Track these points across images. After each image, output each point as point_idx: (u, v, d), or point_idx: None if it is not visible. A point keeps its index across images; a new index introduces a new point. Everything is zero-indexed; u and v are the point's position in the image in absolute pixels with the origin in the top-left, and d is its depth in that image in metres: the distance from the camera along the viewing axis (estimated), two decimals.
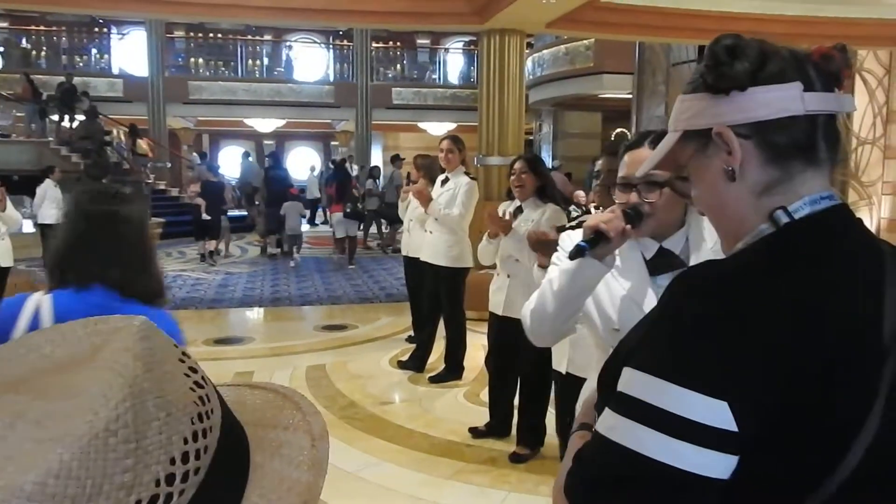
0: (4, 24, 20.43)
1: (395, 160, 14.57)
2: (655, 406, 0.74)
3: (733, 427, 0.72)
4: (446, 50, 24.04)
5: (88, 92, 15.80)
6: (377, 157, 22.30)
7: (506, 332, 3.84)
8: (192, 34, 21.92)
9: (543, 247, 2.87)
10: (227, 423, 0.53)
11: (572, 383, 2.73)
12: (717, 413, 0.72)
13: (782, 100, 0.83)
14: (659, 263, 1.68)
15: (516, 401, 3.99)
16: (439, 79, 22.71)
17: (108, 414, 0.45)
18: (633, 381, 0.77)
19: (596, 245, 1.58)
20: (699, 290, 0.79)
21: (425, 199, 5.11)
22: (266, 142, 25.94)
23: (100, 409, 0.45)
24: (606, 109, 16.05)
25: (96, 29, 20.83)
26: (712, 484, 0.73)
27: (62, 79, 15.55)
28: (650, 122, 13.37)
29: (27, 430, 0.44)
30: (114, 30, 20.98)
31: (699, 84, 0.88)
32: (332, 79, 21.34)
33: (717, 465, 0.73)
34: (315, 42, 23.31)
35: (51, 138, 14.96)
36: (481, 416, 4.23)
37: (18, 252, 11.55)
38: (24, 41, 19.83)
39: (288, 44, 22.74)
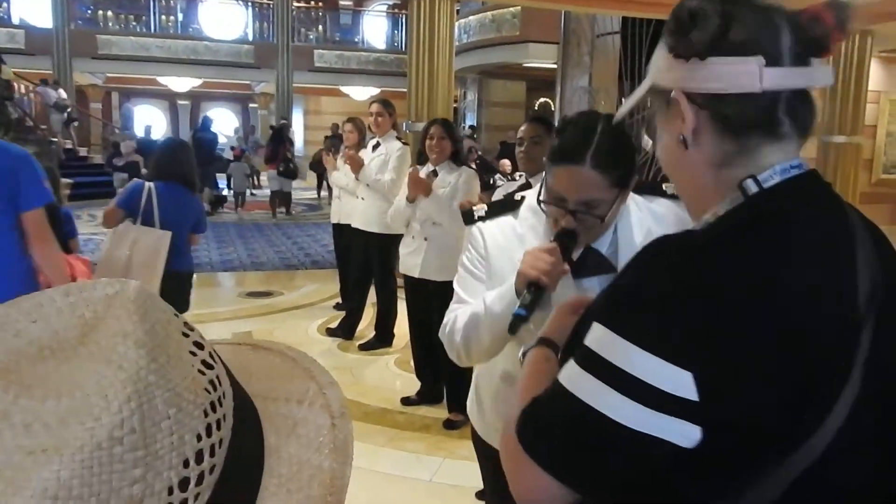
0: None
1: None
2: (621, 368, 0.73)
3: (695, 397, 0.71)
4: (369, 13, 23.60)
5: None
6: (298, 121, 21.80)
7: (422, 294, 3.93)
8: None
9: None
10: (239, 406, 0.46)
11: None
12: (680, 382, 0.71)
13: (737, 75, 0.79)
14: (586, 265, 1.49)
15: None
16: (362, 42, 22.29)
17: (111, 419, 0.38)
18: (601, 340, 0.76)
19: (536, 304, 1.37)
20: (672, 261, 0.78)
21: (357, 165, 5.02)
22: (181, 102, 24.93)
23: (101, 414, 0.38)
24: (531, 79, 16.14)
25: None
26: (671, 448, 0.72)
27: None
28: (574, 92, 13.55)
29: (13, 437, 0.37)
30: None
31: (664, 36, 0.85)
32: (251, 38, 20.63)
33: (677, 431, 0.72)
34: None
35: None
36: (413, 384, 4.24)
37: None
38: None
39: None
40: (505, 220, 1.62)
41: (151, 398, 0.40)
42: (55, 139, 14.63)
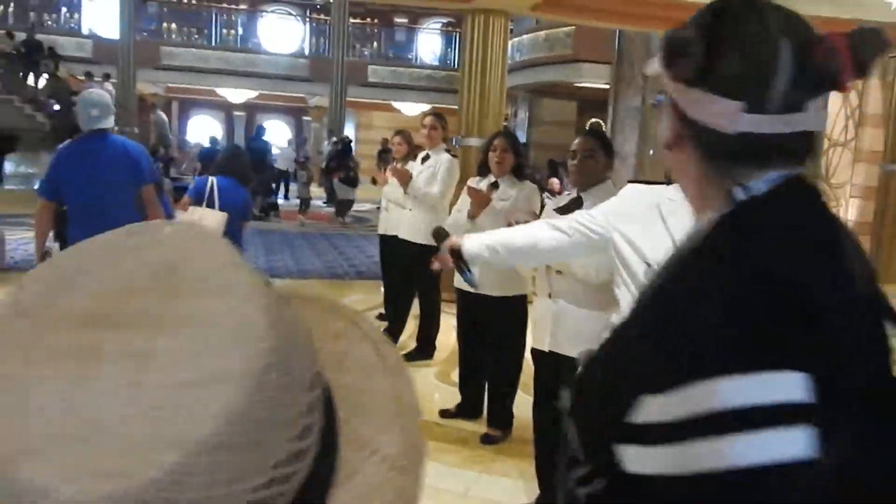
0: None
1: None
2: (722, 409, 0.66)
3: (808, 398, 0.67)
4: (423, 30, 23.88)
5: (56, 51, 15.37)
6: (349, 134, 22.08)
7: (476, 310, 3.85)
8: None
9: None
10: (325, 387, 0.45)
11: (554, 361, 2.72)
12: (790, 385, 0.67)
13: (715, 113, 0.78)
14: None
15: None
16: (415, 59, 22.54)
17: (264, 346, 0.38)
18: (674, 400, 0.68)
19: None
20: (699, 282, 0.75)
21: (405, 179, 5.05)
22: (236, 113, 25.51)
23: (253, 342, 0.38)
24: (582, 98, 16.08)
25: None
26: (807, 467, 0.65)
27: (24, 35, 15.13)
28: (627, 112, 13.44)
29: (162, 373, 0.36)
30: None
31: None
32: (307, 52, 21.05)
33: (803, 440, 0.66)
34: (291, 14, 22.94)
35: (14, 96, 14.52)
36: (452, 396, 4.21)
37: (19, 206, 11.32)
38: None
39: (264, 14, 22.34)
40: None
41: (285, 331, 0.40)
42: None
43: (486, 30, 7.91)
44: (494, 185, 3.90)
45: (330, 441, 0.42)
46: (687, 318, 0.72)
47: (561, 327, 2.73)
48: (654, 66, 0.85)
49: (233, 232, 4.21)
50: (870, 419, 0.70)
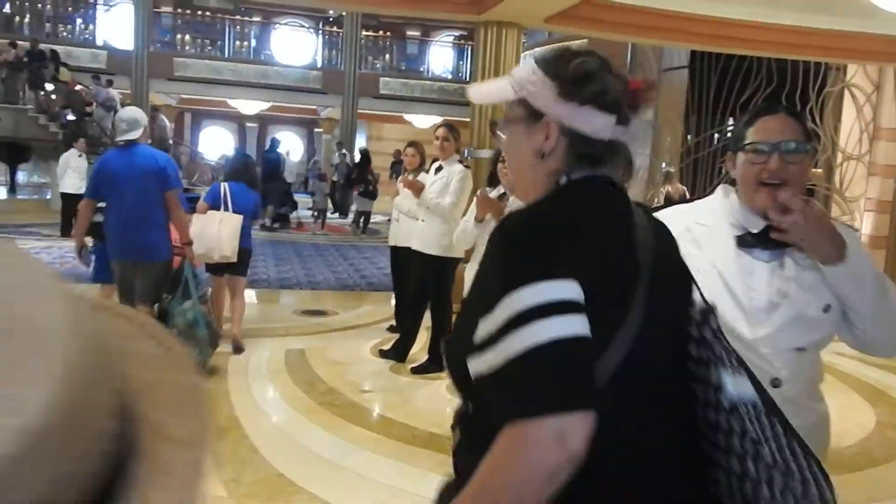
0: None
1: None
2: (525, 308, 0.95)
3: (581, 297, 0.98)
4: (435, 43, 23.96)
5: (59, 57, 15.49)
6: (361, 146, 22.12)
7: None
8: (179, 10, 21.57)
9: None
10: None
11: None
12: (574, 290, 0.97)
13: (600, 126, 1.10)
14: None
15: None
16: (427, 71, 22.60)
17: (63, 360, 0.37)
18: (505, 304, 0.97)
19: None
20: (514, 229, 1.05)
21: (416, 190, 5.03)
22: (249, 124, 25.63)
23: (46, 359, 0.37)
24: None
25: None
26: (587, 340, 0.96)
27: (28, 45, 15.32)
28: (637, 126, 13.35)
29: None
30: (100, 0, 20.54)
31: (553, 76, 1.12)
32: (319, 64, 21.14)
33: (584, 324, 0.97)
34: (303, 27, 23.07)
35: (30, 105, 14.64)
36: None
37: (31, 216, 11.39)
38: (7, 6, 19.35)
39: (277, 26, 22.47)
40: None
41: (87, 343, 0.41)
42: None
43: (499, 42, 7.90)
44: (505, 196, 3.88)
45: (129, 433, 0.44)
46: (507, 253, 1.03)
47: None
48: (509, 93, 1.16)
49: (245, 230, 5.12)
50: (618, 313, 1.02)
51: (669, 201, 8.65)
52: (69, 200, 10.95)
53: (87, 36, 19.63)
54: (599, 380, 0.97)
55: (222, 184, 5.25)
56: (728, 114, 10.42)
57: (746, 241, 1.58)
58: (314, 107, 21.63)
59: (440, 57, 23.55)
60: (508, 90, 1.16)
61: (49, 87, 14.80)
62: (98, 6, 20.34)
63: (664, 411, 1.09)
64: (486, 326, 0.98)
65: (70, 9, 19.93)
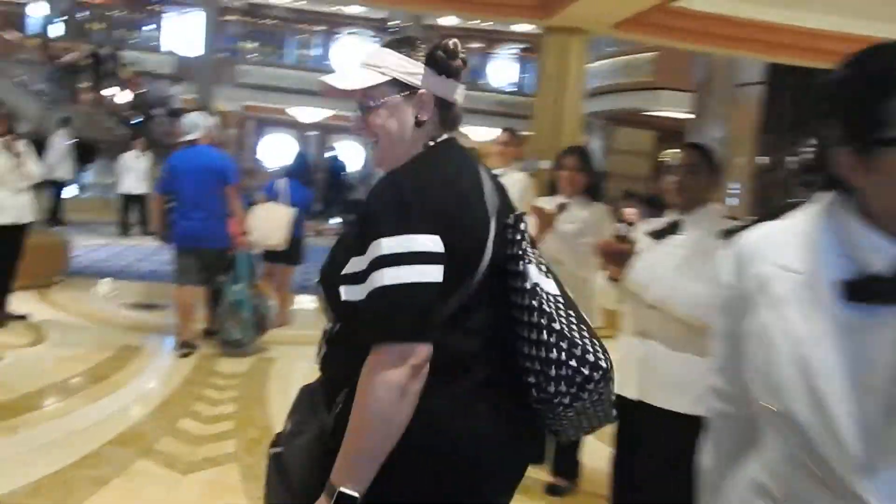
0: None
1: None
2: (389, 253, 1.19)
3: (441, 249, 1.21)
4: (497, 55, 23.77)
5: (118, 57, 15.84)
6: None
7: None
8: (245, 18, 21.88)
9: (617, 258, 2.46)
10: None
11: (641, 411, 2.33)
12: (436, 242, 1.21)
13: (457, 93, 1.40)
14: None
15: None
16: (488, 84, 22.40)
17: None
18: (376, 247, 1.20)
19: None
20: (388, 181, 1.30)
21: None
22: (309, 133, 25.80)
23: None
24: (661, 128, 15.53)
25: (151, 6, 20.90)
26: (439, 285, 1.20)
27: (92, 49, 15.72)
28: (706, 143, 12.82)
29: None
30: (168, 8, 21.01)
31: (421, 55, 1.37)
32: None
33: (439, 272, 1.20)
34: (368, 36, 23.15)
35: (96, 108, 14.94)
36: None
37: (95, 214, 11.60)
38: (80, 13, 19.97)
39: (340, 35, 22.60)
40: None
41: None
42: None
43: (564, 50, 7.58)
44: (563, 207, 3.51)
45: None
46: (372, 207, 1.26)
47: (651, 373, 2.33)
48: (378, 77, 1.36)
49: (299, 223, 5.64)
50: (473, 260, 1.27)
51: None
52: (127, 200, 11.07)
53: (155, 42, 20.06)
54: (448, 310, 1.24)
55: (280, 181, 5.81)
56: (806, 134, 9.84)
57: (863, 289, 0.87)
58: None
59: (502, 70, 23.32)
60: (376, 75, 1.36)
61: (113, 89, 15.13)
62: (167, 13, 20.81)
63: (495, 327, 1.31)
64: (357, 264, 1.23)
65: (140, 15, 20.41)
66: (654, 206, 9.65)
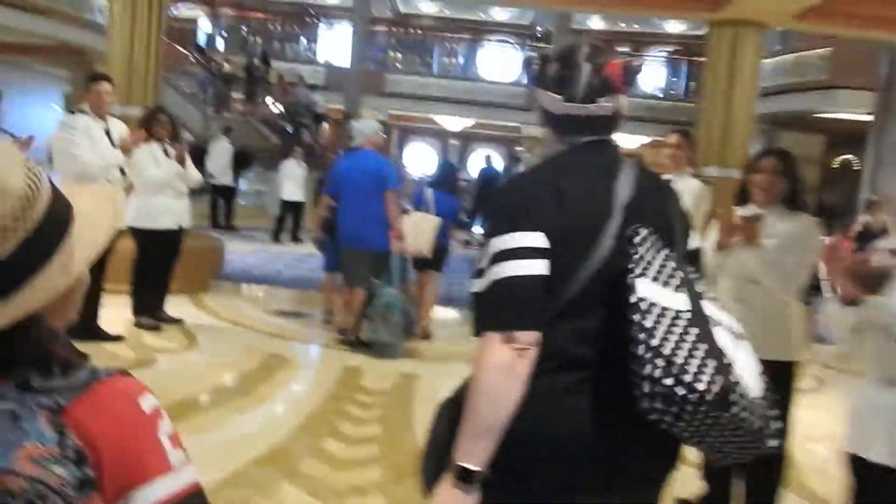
0: (231, 12, 21.90)
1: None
2: (498, 251, 1.32)
3: (545, 244, 1.31)
4: (646, 59, 22.80)
5: (269, 60, 16.37)
6: None
7: None
8: (393, 29, 22.27)
9: (864, 278, 1.94)
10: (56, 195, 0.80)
11: (892, 479, 1.81)
12: (537, 239, 1.31)
13: (553, 102, 1.45)
14: None
15: None
16: (636, 88, 21.49)
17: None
18: (487, 248, 1.35)
19: None
20: (502, 190, 1.53)
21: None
22: (452, 141, 25.91)
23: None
24: (833, 131, 14.13)
25: (307, 19, 21.72)
26: (543, 278, 1.30)
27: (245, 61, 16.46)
28: (891, 148, 11.51)
29: None
30: (323, 20, 21.75)
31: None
32: (525, 81, 20.83)
33: (543, 266, 1.30)
34: (510, 43, 22.90)
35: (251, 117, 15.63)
36: (691, 481, 3.30)
37: (249, 220, 12.19)
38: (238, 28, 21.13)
39: (485, 44, 22.51)
40: None
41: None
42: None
43: (734, 45, 6.90)
44: (757, 218, 2.96)
45: (46, 233, 0.77)
46: (489, 210, 1.42)
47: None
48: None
49: (444, 231, 5.71)
50: (581, 253, 1.34)
51: (866, 233, 7.12)
52: (286, 207, 11.37)
53: (310, 54, 20.83)
54: (557, 304, 1.32)
55: (426, 190, 5.91)
56: None
57: None
58: (517, 124, 21.31)
59: (651, 73, 22.34)
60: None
61: (266, 98, 15.78)
62: (321, 25, 21.56)
63: (607, 332, 1.33)
64: (481, 262, 1.35)
65: (296, 28, 21.27)
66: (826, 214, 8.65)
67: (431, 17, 23.35)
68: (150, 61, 6.63)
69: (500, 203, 1.39)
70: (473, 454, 1.26)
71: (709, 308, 1.31)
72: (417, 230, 5.49)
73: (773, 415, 1.31)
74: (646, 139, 18.92)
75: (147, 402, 0.79)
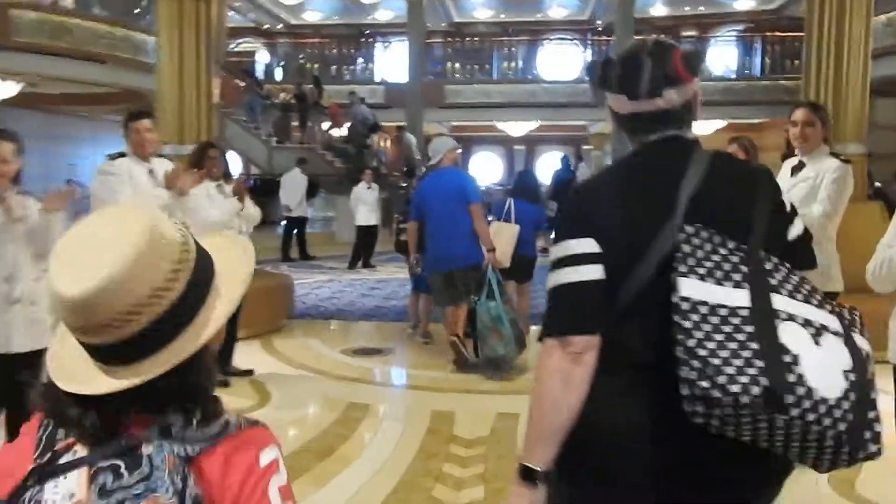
0: (286, 40, 21.97)
1: None
2: (555, 258, 1.36)
3: (597, 249, 1.33)
4: (715, 40, 21.74)
5: (321, 83, 16.31)
6: None
7: None
8: (449, 39, 21.84)
9: None
10: (201, 254, 0.90)
11: None
12: (589, 245, 1.33)
13: (619, 102, 1.44)
14: None
15: None
16: (707, 71, 20.40)
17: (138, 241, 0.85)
18: (552, 253, 1.40)
19: None
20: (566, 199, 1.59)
21: None
22: (516, 147, 25.25)
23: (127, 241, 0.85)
24: None
25: (363, 40, 21.57)
26: (599, 282, 1.31)
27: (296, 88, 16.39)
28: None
29: (109, 251, 0.84)
30: (378, 39, 21.54)
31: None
32: (588, 78, 20.04)
33: (597, 271, 1.32)
34: (569, 40, 22.14)
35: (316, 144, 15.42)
36: None
37: (317, 249, 11.92)
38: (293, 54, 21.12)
39: (543, 43, 21.83)
40: None
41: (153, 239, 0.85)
42: (404, 185, 15.23)
43: (842, 5, 6.07)
44: None
45: (200, 282, 0.88)
46: (559, 214, 1.52)
47: None
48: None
49: (526, 239, 5.66)
50: (635, 255, 1.32)
51: None
52: (361, 233, 10.89)
53: (367, 74, 20.62)
54: (618, 306, 1.31)
55: (509, 199, 5.87)
56: None
57: None
58: (583, 122, 20.50)
59: (721, 55, 21.25)
60: None
61: (324, 123, 15.59)
62: (377, 45, 21.35)
63: (662, 332, 1.25)
64: (551, 259, 1.38)
65: (353, 50, 21.12)
66: None
67: (486, 22, 22.83)
68: (202, 96, 6.27)
69: (562, 211, 1.50)
70: (535, 455, 1.30)
71: (782, 302, 1.23)
72: (496, 240, 5.33)
73: (871, 417, 1.18)
74: (721, 123, 17.89)
75: (266, 456, 0.87)
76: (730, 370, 1.15)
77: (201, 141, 5.39)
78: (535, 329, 5.71)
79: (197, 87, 6.25)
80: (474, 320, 5.06)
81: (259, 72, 20.28)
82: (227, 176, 4.90)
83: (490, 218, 5.70)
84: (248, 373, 4.95)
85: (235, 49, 20.31)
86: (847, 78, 6.06)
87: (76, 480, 0.80)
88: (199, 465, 0.81)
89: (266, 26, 22.20)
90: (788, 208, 1.44)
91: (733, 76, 19.91)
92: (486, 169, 24.24)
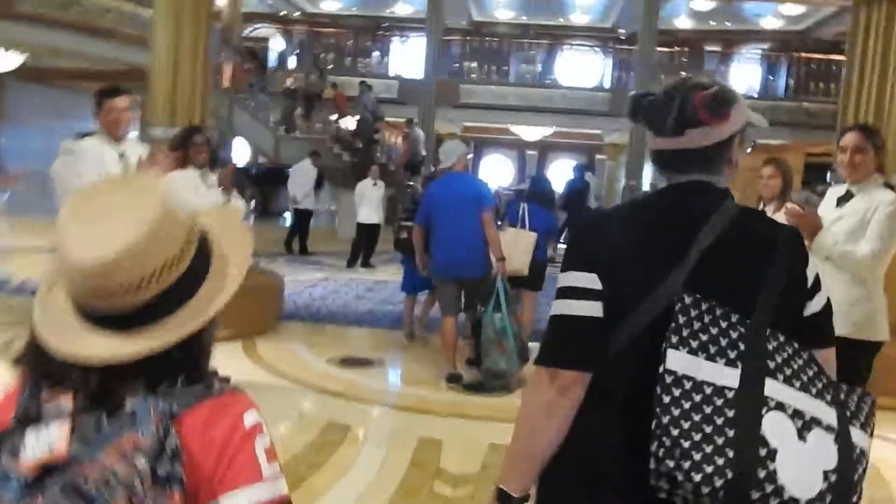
0: (303, 28, 21.60)
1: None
2: (559, 287, 1.34)
3: (599, 286, 1.29)
4: (739, 58, 21.38)
5: (326, 75, 16.09)
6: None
7: None
8: (468, 38, 21.44)
9: None
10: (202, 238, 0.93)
11: None
12: (592, 280, 1.30)
13: (650, 141, 1.44)
14: None
15: None
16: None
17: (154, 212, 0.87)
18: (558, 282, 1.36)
19: None
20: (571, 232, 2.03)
21: (809, 227, 3.13)
22: (529, 152, 24.82)
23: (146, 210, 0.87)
24: None
25: (379, 33, 21.20)
26: (597, 320, 1.28)
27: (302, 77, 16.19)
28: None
29: (124, 219, 0.87)
30: (396, 33, 21.17)
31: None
32: (607, 86, 19.66)
33: (595, 308, 1.28)
34: (590, 47, 21.73)
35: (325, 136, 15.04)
36: None
37: (317, 244, 11.51)
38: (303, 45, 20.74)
39: (564, 49, 21.42)
40: None
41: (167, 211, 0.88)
42: (411, 183, 14.82)
43: (890, 22, 5.64)
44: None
45: (204, 257, 0.92)
46: (567, 242, 1.50)
47: None
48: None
49: (539, 244, 5.50)
50: (634, 297, 1.28)
51: None
52: (362, 231, 10.45)
53: (382, 68, 20.24)
54: (614, 344, 1.27)
55: (522, 205, 5.71)
56: None
57: None
58: (598, 131, 20.09)
59: (743, 73, 20.85)
60: None
61: (331, 115, 15.25)
62: (393, 39, 20.97)
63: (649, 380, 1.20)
64: (557, 289, 1.36)
65: (369, 43, 20.74)
66: None
67: (507, 23, 22.41)
68: (198, 77, 5.87)
69: (571, 239, 1.46)
70: (511, 479, 1.31)
71: (776, 388, 1.16)
72: (514, 248, 5.24)
73: None
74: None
75: (250, 418, 0.89)
76: (697, 456, 1.11)
77: (186, 125, 4.97)
78: (533, 345, 5.31)
79: (192, 68, 5.85)
80: (479, 330, 4.92)
81: (272, 59, 19.91)
82: (213, 164, 4.50)
83: (499, 223, 5.47)
84: (225, 381, 4.55)
85: (251, 34, 19.97)
86: (893, 98, 5.62)
87: (57, 433, 0.81)
88: (181, 421, 0.83)
89: (283, 13, 21.82)
90: (811, 282, 1.33)
91: (756, 95, 19.48)
92: (497, 172, 23.80)
